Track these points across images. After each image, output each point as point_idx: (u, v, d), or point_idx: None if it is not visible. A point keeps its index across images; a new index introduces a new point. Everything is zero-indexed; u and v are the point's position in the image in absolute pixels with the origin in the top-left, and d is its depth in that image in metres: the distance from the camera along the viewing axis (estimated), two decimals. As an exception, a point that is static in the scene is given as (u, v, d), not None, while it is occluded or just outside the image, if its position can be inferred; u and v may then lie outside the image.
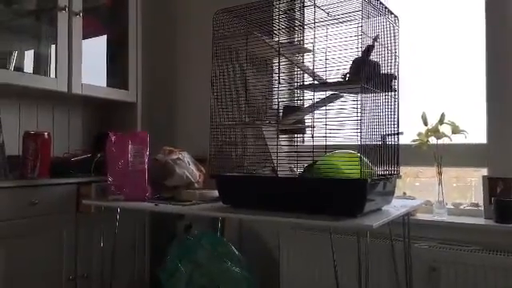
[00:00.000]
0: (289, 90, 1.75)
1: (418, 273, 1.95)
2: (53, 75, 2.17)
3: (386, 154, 1.62)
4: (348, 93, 1.57)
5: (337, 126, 1.48)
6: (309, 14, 1.67)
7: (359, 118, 1.42)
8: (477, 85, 2.06)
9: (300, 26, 1.76)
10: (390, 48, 1.68)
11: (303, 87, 1.73)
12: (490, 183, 1.97)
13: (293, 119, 1.75)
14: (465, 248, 1.90)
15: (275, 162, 1.65)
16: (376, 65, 1.59)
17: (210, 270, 2.11)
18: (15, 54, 2.20)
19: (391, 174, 1.64)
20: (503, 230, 1.88)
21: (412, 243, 1.95)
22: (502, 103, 1.99)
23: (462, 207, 2.10)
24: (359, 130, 1.42)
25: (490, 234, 1.90)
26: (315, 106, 1.63)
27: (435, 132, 2.03)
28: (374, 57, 1.57)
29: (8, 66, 2.15)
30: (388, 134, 1.65)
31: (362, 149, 1.43)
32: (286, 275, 2.28)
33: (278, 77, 1.66)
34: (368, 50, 1.54)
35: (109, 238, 2.03)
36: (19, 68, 2.17)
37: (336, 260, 2.03)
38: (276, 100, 1.66)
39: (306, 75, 1.75)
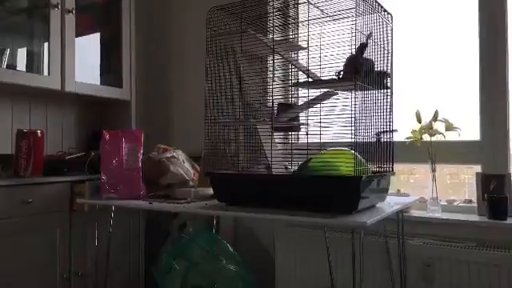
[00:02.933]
0: (283, 87, 1.75)
1: (413, 269, 1.96)
2: (46, 73, 2.16)
3: (380, 152, 1.63)
4: (342, 90, 1.57)
5: (331, 123, 1.49)
6: (303, 11, 1.67)
7: (353, 115, 1.43)
8: (470, 82, 2.07)
9: (294, 23, 1.76)
10: (383, 45, 1.68)
11: (297, 85, 1.73)
12: (484, 180, 1.98)
13: (287, 117, 1.75)
14: (458, 244, 1.91)
15: (270, 159, 1.65)
16: (370, 62, 1.59)
17: (205, 268, 2.11)
18: (7, 51, 2.18)
19: (385, 171, 1.65)
20: (496, 227, 1.89)
21: (406, 240, 1.96)
22: (496, 100, 2.00)
23: (455, 204, 2.11)
24: (353, 128, 1.42)
25: (484, 231, 1.91)
26: (309, 104, 1.63)
27: (429, 129, 2.04)
28: (367, 54, 1.58)
29: (0, 64, 2.13)
30: (382, 132, 1.65)
31: (356, 146, 1.44)
32: (281, 272, 2.28)
33: (273, 74, 1.66)
34: (362, 47, 1.54)
35: (103, 236, 2.02)
36: (12, 66, 2.16)
37: (331, 257, 2.03)
38: (270, 97, 1.66)
39: (300, 73, 1.75)
